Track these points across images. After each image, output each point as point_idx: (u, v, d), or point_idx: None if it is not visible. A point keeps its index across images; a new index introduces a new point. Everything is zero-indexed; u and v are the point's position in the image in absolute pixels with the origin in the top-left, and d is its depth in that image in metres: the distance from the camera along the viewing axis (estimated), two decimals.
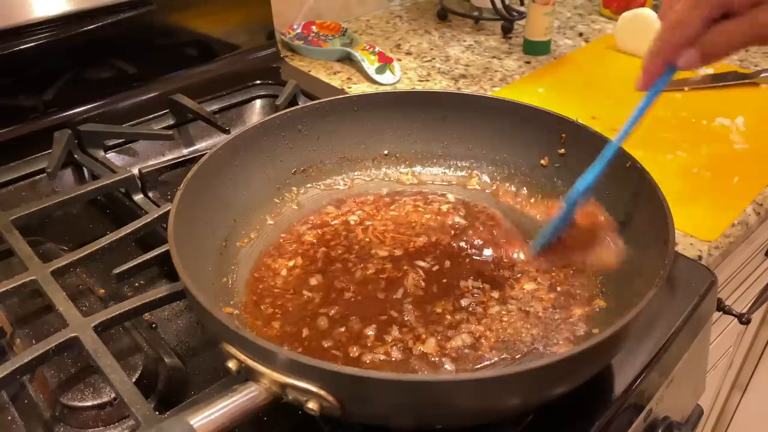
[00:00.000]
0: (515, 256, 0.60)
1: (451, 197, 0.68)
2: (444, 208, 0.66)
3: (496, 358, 0.50)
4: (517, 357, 0.50)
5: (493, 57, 1.11)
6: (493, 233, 0.62)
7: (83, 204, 0.74)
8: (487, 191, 0.69)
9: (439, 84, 1.02)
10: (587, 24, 1.25)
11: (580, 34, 1.20)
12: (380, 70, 1.01)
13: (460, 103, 0.69)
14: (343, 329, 0.52)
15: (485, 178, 0.70)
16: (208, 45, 0.95)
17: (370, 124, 0.70)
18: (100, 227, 0.71)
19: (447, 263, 0.59)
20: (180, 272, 0.45)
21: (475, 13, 1.21)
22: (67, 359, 0.53)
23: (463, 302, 0.55)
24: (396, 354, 0.50)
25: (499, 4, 1.13)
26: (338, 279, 0.57)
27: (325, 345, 0.51)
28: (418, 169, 0.72)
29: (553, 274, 0.58)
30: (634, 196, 0.56)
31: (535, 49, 1.10)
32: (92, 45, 0.82)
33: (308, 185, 0.68)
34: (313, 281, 0.57)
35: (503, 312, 0.54)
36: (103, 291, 0.62)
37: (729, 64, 1.04)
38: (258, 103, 0.95)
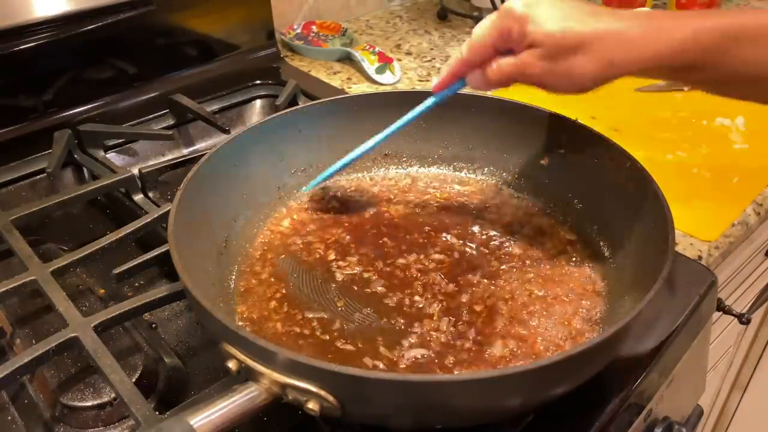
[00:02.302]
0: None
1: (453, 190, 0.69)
2: (446, 204, 0.66)
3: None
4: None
5: None
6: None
7: (83, 204, 0.74)
8: (487, 191, 0.69)
9: None
10: None
11: None
12: (380, 70, 1.01)
13: (461, 103, 0.69)
14: (346, 323, 0.52)
15: (485, 178, 0.70)
16: (208, 45, 0.95)
17: (370, 124, 0.70)
18: (100, 227, 0.71)
19: (453, 255, 0.59)
20: (180, 272, 0.45)
21: (475, 13, 1.21)
22: (67, 359, 0.53)
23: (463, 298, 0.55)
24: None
25: (499, 4, 1.13)
26: (338, 275, 0.58)
27: (332, 347, 0.51)
28: (418, 169, 0.72)
29: (548, 269, 0.58)
30: (634, 196, 0.56)
31: None
32: (92, 45, 0.82)
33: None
34: (316, 278, 0.58)
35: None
36: (103, 291, 0.62)
37: None
38: (258, 103, 0.95)
